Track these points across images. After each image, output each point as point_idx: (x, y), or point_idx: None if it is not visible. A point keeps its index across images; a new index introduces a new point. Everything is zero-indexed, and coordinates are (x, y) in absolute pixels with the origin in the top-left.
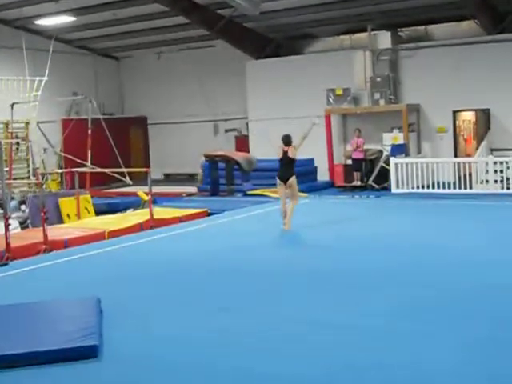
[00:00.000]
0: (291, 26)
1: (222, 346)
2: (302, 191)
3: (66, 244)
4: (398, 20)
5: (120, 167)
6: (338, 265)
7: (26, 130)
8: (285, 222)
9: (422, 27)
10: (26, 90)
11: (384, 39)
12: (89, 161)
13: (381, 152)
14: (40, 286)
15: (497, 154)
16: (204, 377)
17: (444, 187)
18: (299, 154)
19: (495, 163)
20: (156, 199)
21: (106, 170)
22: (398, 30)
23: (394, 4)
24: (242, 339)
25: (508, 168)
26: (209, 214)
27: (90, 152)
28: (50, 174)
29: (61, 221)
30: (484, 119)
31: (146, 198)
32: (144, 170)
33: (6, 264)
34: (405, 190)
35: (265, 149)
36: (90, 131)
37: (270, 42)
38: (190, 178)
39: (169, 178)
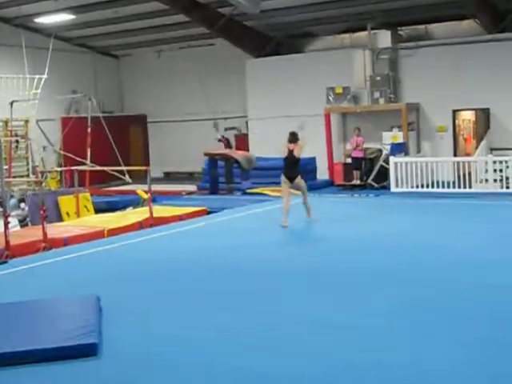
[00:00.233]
0: (291, 25)
1: (221, 345)
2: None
3: (66, 242)
4: (398, 19)
5: (119, 165)
6: (337, 264)
7: (26, 128)
8: (284, 219)
9: (422, 26)
10: (25, 88)
11: (384, 38)
12: (88, 159)
13: (380, 151)
14: (39, 284)
15: (496, 153)
16: (203, 376)
17: (443, 186)
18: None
19: (495, 162)
20: (155, 197)
21: (105, 168)
22: (398, 28)
23: (394, 3)
24: (242, 339)
25: (507, 167)
26: (208, 213)
27: (89, 150)
28: (49, 172)
29: (60, 219)
30: (484, 118)
31: (146, 196)
32: (143, 168)
33: (5, 262)
34: (404, 189)
35: (264, 147)
36: (89, 129)
37: (270, 40)
38: (189, 177)
39: (169, 177)
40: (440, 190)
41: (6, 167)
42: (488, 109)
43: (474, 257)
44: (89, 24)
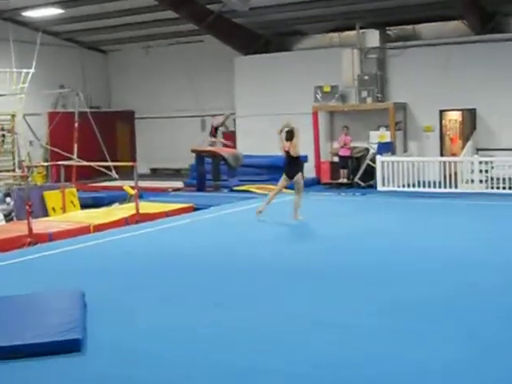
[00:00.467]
0: (280, 23)
1: (208, 341)
2: (288, 188)
3: (51, 237)
4: (386, 19)
5: (106, 161)
6: (325, 262)
7: (12, 123)
8: (260, 206)
9: (410, 26)
10: (12, 82)
11: (372, 37)
12: (75, 154)
13: (367, 150)
14: (24, 280)
15: (482, 153)
16: (187, 372)
17: (429, 186)
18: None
19: (480, 163)
20: (142, 194)
21: (92, 164)
22: (387, 28)
23: (383, 3)
24: (233, 334)
25: (493, 168)
26: (195, 209)
27: (76, 145)
28: (35, 166)
29: (46, 214)
30: (470, 119)
31: (132, 192)
32: (130, 164)
33: None
34: (390, 188)
35: (251, 145)
36: (76, 124)
37: (259, 38)
38: (176, 173)
39: (155, 173)
40: (426, 189)
41: None
42: (474, 109)
43: (468, 257)
44: (77, 19)
